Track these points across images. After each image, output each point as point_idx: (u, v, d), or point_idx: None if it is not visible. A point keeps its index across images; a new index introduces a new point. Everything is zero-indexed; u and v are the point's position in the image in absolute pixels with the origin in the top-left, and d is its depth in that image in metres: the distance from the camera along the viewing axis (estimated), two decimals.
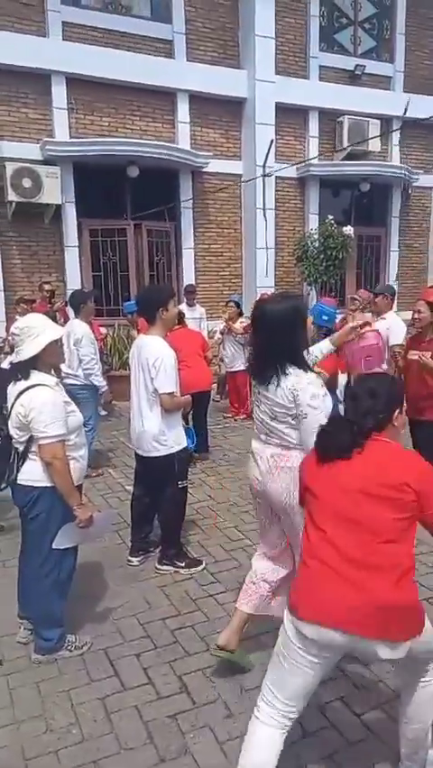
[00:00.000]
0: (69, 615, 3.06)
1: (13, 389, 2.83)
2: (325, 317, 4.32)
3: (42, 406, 2.69)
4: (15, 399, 2.76)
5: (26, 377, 2.77)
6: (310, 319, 3.51)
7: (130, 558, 3.93)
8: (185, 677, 2.78)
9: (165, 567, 3.78)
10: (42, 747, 2.40)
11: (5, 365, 4.24)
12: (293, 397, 2.44)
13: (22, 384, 2.77)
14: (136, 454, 3.82)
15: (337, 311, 5.03)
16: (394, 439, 2.05)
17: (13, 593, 3.15)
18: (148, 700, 2.65)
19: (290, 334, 2.49)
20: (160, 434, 3.56)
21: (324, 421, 2.36)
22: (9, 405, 2.82)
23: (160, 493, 3.77)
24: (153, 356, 3.45)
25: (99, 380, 5.45)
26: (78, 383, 5.38)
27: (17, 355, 2.79)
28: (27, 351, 2.75)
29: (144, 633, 3.15)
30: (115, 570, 3.85)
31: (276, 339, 2.48)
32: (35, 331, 2.76)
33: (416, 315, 4.11)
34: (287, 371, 2.47)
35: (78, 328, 5.41)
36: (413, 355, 4.09)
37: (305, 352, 2.64)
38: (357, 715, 2.55)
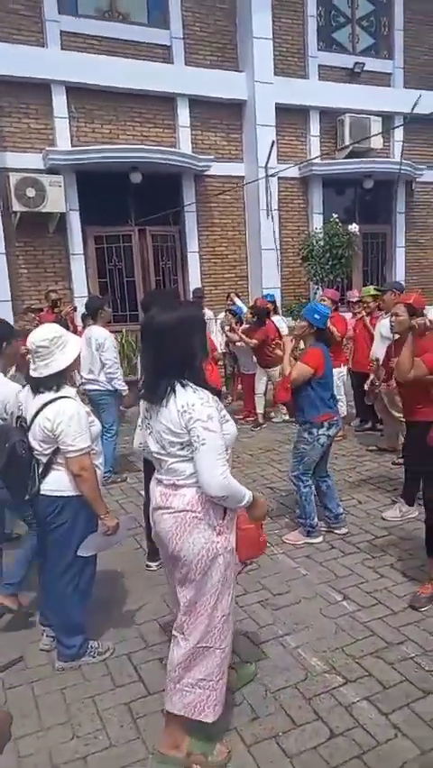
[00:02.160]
0: (90, 621, 3.06)
1: (33, 402, 2.78)
2: (317, 316, 4.22)
3: (70, 420, 2.67)
4: (38, 412, 2.73)
5: (58, 389, 2.74)
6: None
7: (148, 563, 3.93)
8: None
9: None
10: (71, 753, 2.40)
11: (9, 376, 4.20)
12: (185, 422, 2.12)
13: (45, 396, 2.74)
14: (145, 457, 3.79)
15: (330, 309, 4.99)
16: None
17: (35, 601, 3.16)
18: None
19: (183, 347, 2.20)
20: None
21: (222, 450, 2.14)
22: (29, 417, 2.78)
23: None
24: None
25: (121, 384, 5.50)
26: (101, 389, 5.48)
27: (47, 367, 2.72)
28: (60, 362, 2.72)
29: (166, 637, 3.13)
30: (134, 575, 3.85)
31: (167, 353, 2.19)
32: (63, 341, 2.75)
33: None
34: (179, 389, 2.17)
35: (100, 333, 5.48)
36: None
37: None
38: (385, 714, 2.53)
